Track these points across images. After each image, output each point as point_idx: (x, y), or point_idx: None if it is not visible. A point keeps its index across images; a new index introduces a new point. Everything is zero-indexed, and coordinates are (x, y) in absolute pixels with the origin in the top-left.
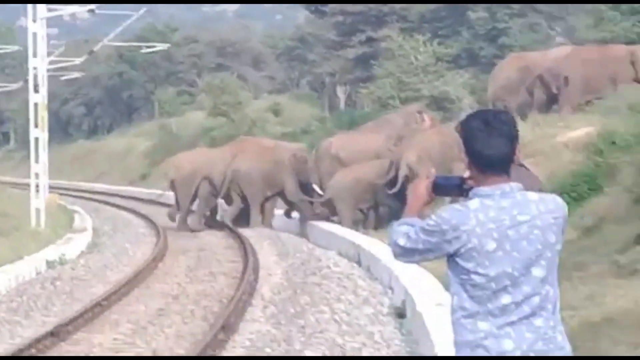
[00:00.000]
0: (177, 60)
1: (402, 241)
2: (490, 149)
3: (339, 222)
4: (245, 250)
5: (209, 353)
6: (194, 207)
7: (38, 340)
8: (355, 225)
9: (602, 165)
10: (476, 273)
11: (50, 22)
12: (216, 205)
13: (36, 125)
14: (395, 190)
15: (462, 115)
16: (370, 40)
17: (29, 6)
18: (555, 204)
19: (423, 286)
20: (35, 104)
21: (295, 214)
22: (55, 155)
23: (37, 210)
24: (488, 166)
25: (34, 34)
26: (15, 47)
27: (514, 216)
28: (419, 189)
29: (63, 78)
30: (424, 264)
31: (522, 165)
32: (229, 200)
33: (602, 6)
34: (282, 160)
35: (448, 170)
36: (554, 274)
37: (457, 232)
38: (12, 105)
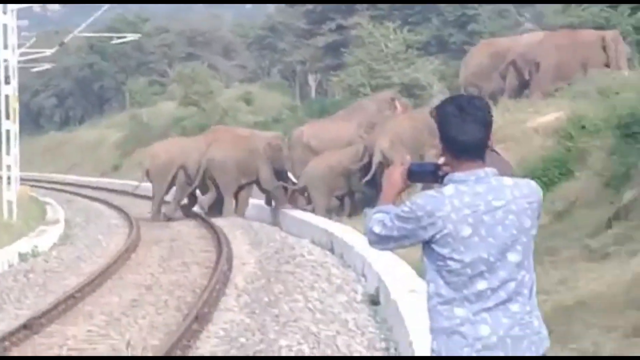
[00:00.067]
0: (147, 50)
1: (377, 229)
2: (464, 134)
3: (313, 210)
4: (219, 240)
5: (184, 343)
6: (169, 197)
7: (11, 334)
8: (328, 213)
9: (572, 150)
10: (452, 259)
11: (21, 14)
12: (195, 194)
13: (7, 117)
14: (369, 177)
15: (433, 101)
16: (340, 28)
17: None
18: (530, 188)
19: (396, 273)
20: (6, 96)
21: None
22: (26, 147)
23: (9, 203)
24: (462, 152)
25: (4, 26)
26: None
27: (489, 201)
28: (394, 176)
29: (34, 70)
30: (397, 251)
31: (493, 151)
32: (204, 189)
33: None
34: (257, 149)
35: (420, 156)
36: (530, 259)
37: (432, 219)
38: None
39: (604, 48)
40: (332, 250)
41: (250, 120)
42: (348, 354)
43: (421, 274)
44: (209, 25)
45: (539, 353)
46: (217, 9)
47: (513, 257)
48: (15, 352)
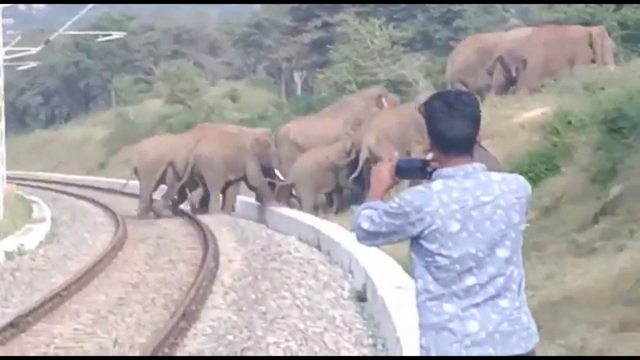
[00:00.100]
0: (133, 48)
1: (365, 225)
2: (452, 130)
3: (300, 207)
4: (205, 237)
5: (171, 341)
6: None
7: None
8: (315, 210)
9: (558, 145)
10: (440, 255)
11: (6, 12)
12: (184, 191)
13: None
14: (356, 174)
15: (420, 98)
16: (326, 25)
17: None
18: (518, 183)
19: (383, 269)
20: None
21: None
22: (12, 146)
23: None
24: (450, 147)
25: None
26: None
27: (477, 197)
28: (382, 173)
29: (19, 68)
30: (384, 247)
31: (480, 147)
32: (192, 186)
33: None
34: (245, 146)
35: (407, 152)
36: (519, 254)
37: (420, 214)
38: None
39: (591, 44)
40: (318, 247)
41: (236, 117)
42: (335, 351)
43: (408, 270)
44: (195, 23)
45: (529, 349)
46: (203, 7)
47: (502, 252)
48: (1, 351)
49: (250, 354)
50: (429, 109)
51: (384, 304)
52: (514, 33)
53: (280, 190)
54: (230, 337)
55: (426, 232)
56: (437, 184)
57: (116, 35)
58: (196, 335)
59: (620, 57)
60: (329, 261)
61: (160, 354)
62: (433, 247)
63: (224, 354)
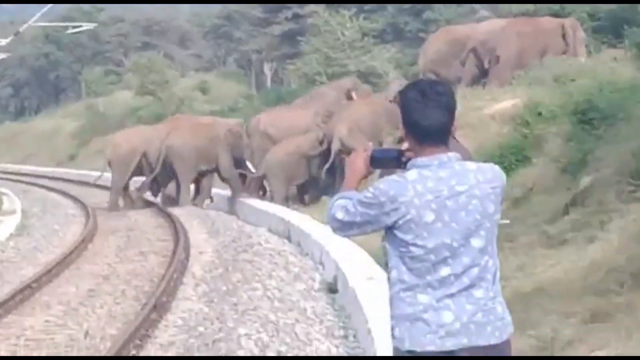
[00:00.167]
0: (103, 40)
1: (340, 215)
2: (427, 119)
3: (271, 199)
4: (176, 229)
5: (142, 333)
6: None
7: None
8: (286, 201)
9: (528, 137)
10: (415, 245)
11: None
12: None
13: None
14: (328, 165)
15: (391, 87)
16: (296, 16)
17: None
18: (493, 173)
19: (354, 261)
20: None
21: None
22: None
23: None
24: (425, 137)
25: None
26: None
27: (452, 186)
28: (357, 163)
29: None
30: (355, 238)
31: (452, 137)
32: (165, 177)
33: None
34: (218, 136)
35: (379, 143)
36: (494, 244)
37: (395, 204)
38: None
39: (563, 35)
40: (289, 239)
41: (206, 109)
42: (307, 342)
43: (379, 261)
44: (165, 15)
45: (503, 339)
46: None
47: (476, 242)
48: None
49: (222, 345)
50: (403, 99)
51: (355, 296)
52: (487, 24)
53: (251, 182)
54: (201, 329)
55: (401, 222)
56: (411, 174)
57: (86, 26)
58: (167, 327)
59: (590, 48)
60: (300, 252)
61: (131, 345)
62: (408, 237)
63: (195, 346)
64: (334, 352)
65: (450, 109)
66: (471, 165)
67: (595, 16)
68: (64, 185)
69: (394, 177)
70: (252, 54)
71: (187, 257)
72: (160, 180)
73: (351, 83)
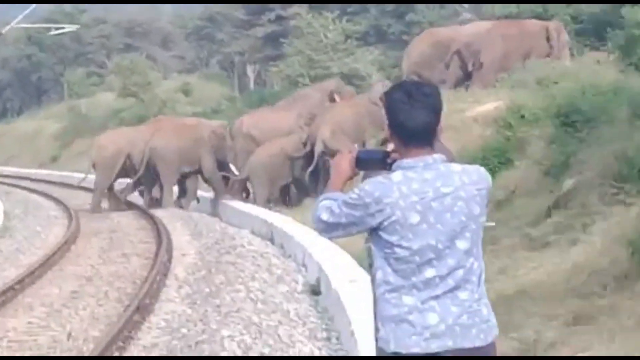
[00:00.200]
0: (85, 41)
1: (325, 216)
2: (412, 120)
3: (254, 201)
4: (158, 231)
5: (125, 334)
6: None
7: None
8: (268, 203)
9: (511, 139)
10: (400, 246)
11: None
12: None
13: None
14: (312, 167)
15: (376, 88)
16: (279, 18)
17: None
18: (479, 175)
19: (337, 263)
20: None
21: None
22: None
23: None
24: (410, 138)
25: None
26: None
27: (437, 188)
28: (342, 164)
29: None
30: (338, 240)
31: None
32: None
33: None
34: (202, 137)
35: (362, 144)
36: (479, 246)
37: (380, 205)
38: None
39: (548, 38)
40: (272, 241)
41: (189, 111)
42: (290, 344)
43: (362, 263)
44: (147, 16)
45: (488, 341)
46: None
47: (462, 244)
48: None
49: (205, 347)
50: (389, 100)
51: (338, 298)
52: (472, 27)
53: (234, 184)
54: (184, 331)
55: (386, 223)
56: (397, 175)
57: (69, 28)
58: (150, 329)
59: (573, 51)
60: (283, 254)
61: (114, 347)
62: (393, 238)
63: (178, 347)
64: (317, 354)
65: (435, 110)
66: (456, 167)
67: (578, 19)
68: (46, 187)
69: (379, 178)
70: (235, 55)
71: (169, 259)
72: (144, 182)
73: (334, 85)
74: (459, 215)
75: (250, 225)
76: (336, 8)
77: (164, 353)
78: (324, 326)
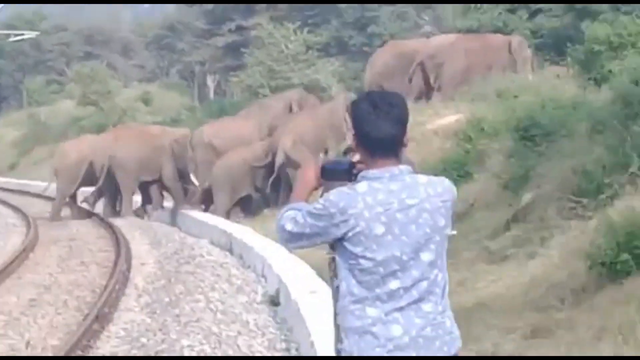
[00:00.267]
0: (45, 48)
1: (289, 226)
2: (378, 131)
3: (214, 211)
4: (117, 240)
5: (84, 343)
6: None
7: None
8: (227, 214)
9: (471, 152)
10: (364, 257)
11: None
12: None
13: None
14: (273, 177)
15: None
16: (240, 28)
17: None
18: (444, 187)
19: (297, 274)
20: None
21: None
22: None
23: None
24: (376, 148)
25: None
26: None
27: (402, 199)
28: (307, 175)
29: None
30: (298, 251)
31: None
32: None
33: None
34: (163, 146)
35: (325, 153)
36: (443, 258)
37: (344, 216)
38: None
39: (510, 52)
40: (231, 251)
41: (149, 120)
42: (249, 354)
43: (322, 274)
44: (108, 24)
45: (451, 353)
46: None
47: (426, 256)
48: None
49: (165, 356)
50: (355, 110)
51: (297, 309)
52: (436, 39)
53: (193, 194)
54: (143, 340)
55: (350, 234)
56: (362, 186)
57: (28, 35)
58: (109, 338)
59: (533, 65)
60: (242, 265)
61: (73, 356)
62: (357, 249)
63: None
64: None
65: (402, 121)
66: (422, 178)
67: (538, 33)
68: (3, 194)
69: (344, 189)
70: (195, 65)
71: (128, 268)
72: (105, 190)
73: (298, 95)
74: (424, 227)
75: (209, 235)
76: (297, 19)
77: None
78: (282, 337)
